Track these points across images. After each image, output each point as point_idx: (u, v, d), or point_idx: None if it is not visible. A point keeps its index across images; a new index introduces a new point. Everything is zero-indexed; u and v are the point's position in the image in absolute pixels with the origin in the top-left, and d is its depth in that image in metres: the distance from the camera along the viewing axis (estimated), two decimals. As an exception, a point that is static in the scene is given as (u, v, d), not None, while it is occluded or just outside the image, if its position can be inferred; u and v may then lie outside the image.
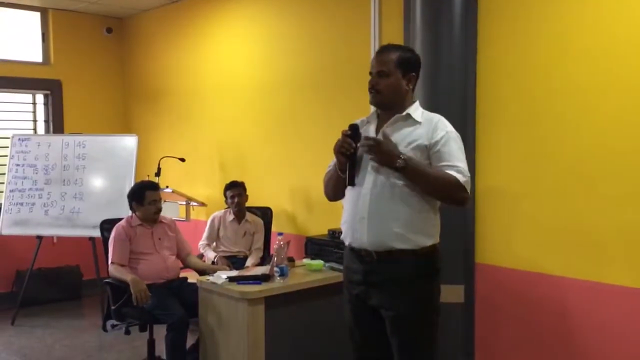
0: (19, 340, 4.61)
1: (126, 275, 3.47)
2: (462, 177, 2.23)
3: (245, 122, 5.03)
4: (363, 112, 3.91)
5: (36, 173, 5.25)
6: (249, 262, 4.30)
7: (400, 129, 2.34)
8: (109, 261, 3.63)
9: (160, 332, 3.47)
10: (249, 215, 4.53)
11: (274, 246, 3.12)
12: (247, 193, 4.51)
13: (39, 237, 5.13)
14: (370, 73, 2.41)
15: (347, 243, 2.43)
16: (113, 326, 3.69)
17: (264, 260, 4.38)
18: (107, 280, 3.61)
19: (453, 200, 2.29)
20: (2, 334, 4.77)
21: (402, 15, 3.62)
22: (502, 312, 3.34)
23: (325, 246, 3.51)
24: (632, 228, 2.81)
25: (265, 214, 4.67)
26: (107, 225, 3.85)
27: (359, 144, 2.30)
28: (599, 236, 2.93)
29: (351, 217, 2.36)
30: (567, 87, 3.02)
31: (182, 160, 5.21)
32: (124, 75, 6.43)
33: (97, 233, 4.38)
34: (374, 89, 2.37)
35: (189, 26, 5.53)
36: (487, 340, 3.42)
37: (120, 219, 3.78)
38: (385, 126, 2.36)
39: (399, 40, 3.61)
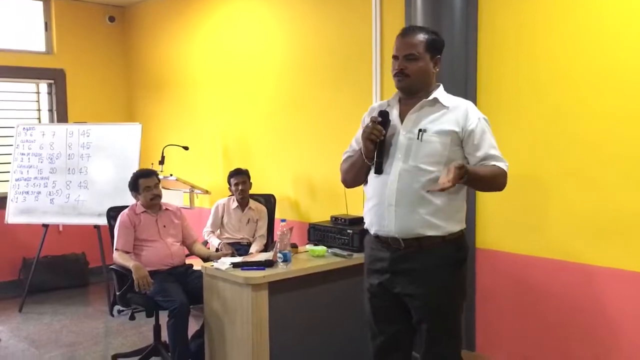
0: (27, 327, 4.68)
1: (129, 262, 3.52)
2: (505, 165, 2.25)
3: (249, 110, 5.04)
4: (367, 97, 3.96)
5: (41, 162, 5.29)
6: (252, 249, 4.33)
7: (427, 114, 2.27)
8: (114, 248, 3.68)
9: (166, 318, 3.51)
10: (252, 203, 4.56)
11: (277, 232, 3.14)
12: (251, 180, 4.54)
13: (45, 226, 5.18)
14: (396, 57, 2.28)
15: (372, 232, 2.36)
16: (119, 311, 3.75)
17: (268, 247, 4.41)
18: (112, 266, 3.67)
19: (495, 190, 2.30)
20: (10, 320, 4.83)
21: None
22: (501, 296, 3.37)
23: (327, 232, 3.53)
24: (628, 213, 2.83)
25: (268, 201, 4.70)
26: (113, 213, 3.90)
27: (387, 132, 2.24)
28: (597, 221, 2.95)
29: (378, 206, 2.29)
30: (569, 69, 3.02)
31: (186, 148, 5.23)
32: (128, 63, 6.44)
33: (102, 221, 4.43)
34: (402, 73, 2.26)
35: (192, 14, 5.53)
36: (488, 324, 3.46)
37: (126, 207, 3.82)
38: (411, 112, 2.28)
39: (400, 19, 3.61)
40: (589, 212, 2.98)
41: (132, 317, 3.69)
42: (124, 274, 3.56)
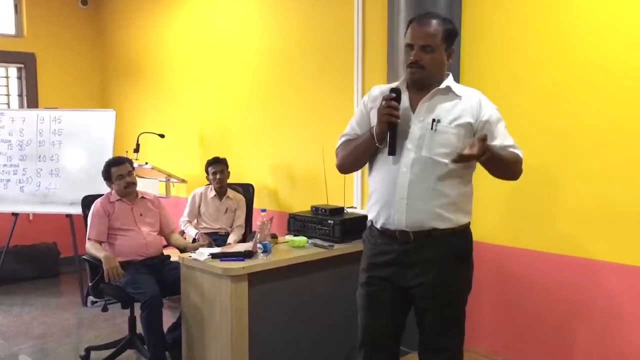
0: (-4, 319, 4.55)
1: (100, 252, 3.44)
2: (521, 153, 2.21)
3: (227, 97, 4.96)
4: (348, 85, 3.92)
5: (10, 149, 5.14)
6: (230, 239, 4.27)
7: (441, 104, 2.18)
8: (87, 237, 3.58)
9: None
10: (230, 192, 4.49)
11: (257, 223, 3.09)
12: (229, 169, 4.46)
13: (15, 214, 5.04)
14: (410, 45, 2.15)
15: (379, 226, 2.27)
16: (93, 302, 3.68)
17: (246, 237, 4.36)
18: (84, 257, 3.58)
19: (512, 177, 2.24)
20: (-22, 312, 4.70)
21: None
22: (483, 287, 3.37)
23: (308, 222, 3.48)
24: (609, 204, 2.84)
25: (247, 190, 4.64)
26: (87, 202, 3.79)
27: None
28: (576, 212, 2.96)
29: (387, 198, 2.20)
30: (554, 61, 3.01)
31: (162, 136, 5.13)
32: (101, 48, 6.28)
33: (74, 210, 4.32)
34: (417, 64, 2.14)
35: (167, -2, 5.41)
36: (471, 315, 3.45)
37: (101, 195, 3.72)
38: (423, 100, 2.17)
39: (382, 7, 3.56)
40: (574, 205, 2.98)
41: (104, 309, 3.61)
42: (96, 265, 3.47)
